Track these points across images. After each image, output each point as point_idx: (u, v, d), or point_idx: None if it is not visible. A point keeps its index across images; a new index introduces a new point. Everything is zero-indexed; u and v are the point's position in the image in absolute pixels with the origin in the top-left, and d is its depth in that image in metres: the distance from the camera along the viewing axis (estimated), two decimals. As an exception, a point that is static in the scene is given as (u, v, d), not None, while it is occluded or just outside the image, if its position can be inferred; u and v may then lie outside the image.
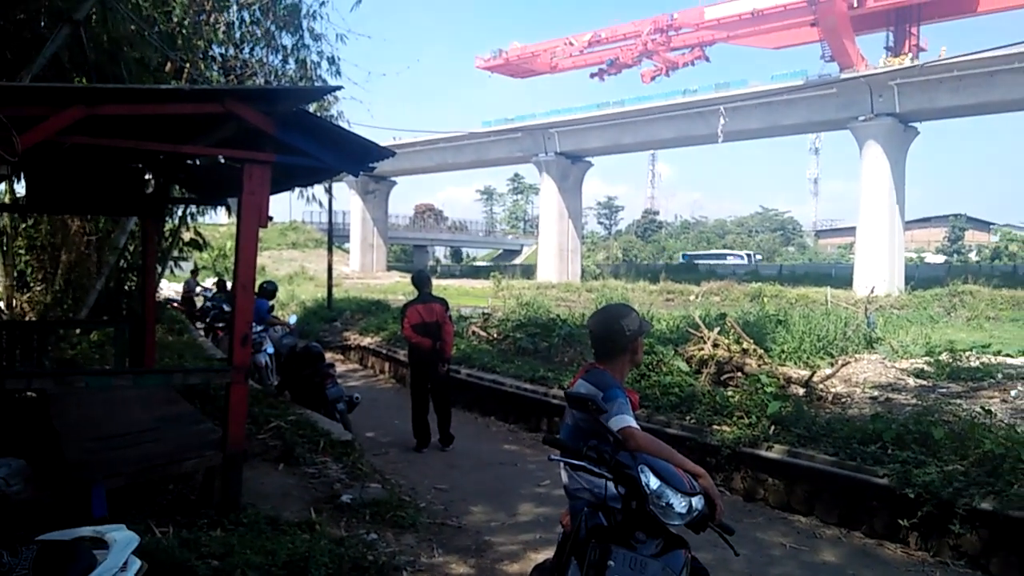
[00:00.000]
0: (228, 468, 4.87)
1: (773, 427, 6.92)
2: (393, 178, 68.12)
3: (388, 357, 13.83)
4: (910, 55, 41.47)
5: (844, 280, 43.06)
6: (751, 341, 9.44)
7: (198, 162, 7.68)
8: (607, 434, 2.96)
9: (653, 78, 51.61)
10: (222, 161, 7.03)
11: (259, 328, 10.06)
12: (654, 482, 2.70)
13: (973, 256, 68.36)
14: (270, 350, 10.27)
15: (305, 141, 5.19)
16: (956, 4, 41.39)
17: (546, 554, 4.97)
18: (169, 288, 33.59)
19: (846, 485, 6.03)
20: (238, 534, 4.28)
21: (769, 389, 7.71)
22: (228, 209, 15.55)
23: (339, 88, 10.02)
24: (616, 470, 2.79)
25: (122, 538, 2.73)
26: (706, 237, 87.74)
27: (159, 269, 12.96)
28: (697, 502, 2.74)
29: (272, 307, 11.90)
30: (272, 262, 52.49)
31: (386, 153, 5.68)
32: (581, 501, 3.05)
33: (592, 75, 53.57)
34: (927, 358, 11.10)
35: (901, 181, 42.55)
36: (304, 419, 7.16)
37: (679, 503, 2.69)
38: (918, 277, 42.67)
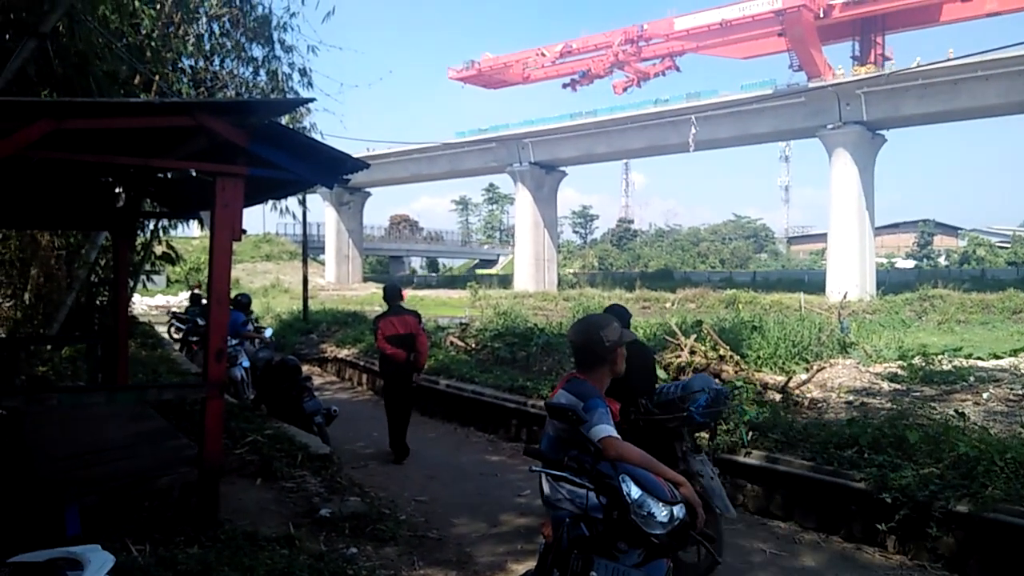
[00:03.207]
0: (205, 484, 4.80)
1: (751, 433, 6.97)
2: (368, 189, 67.95)
3: (366, 369, 13.76)
4: (876, 64, 42.28)
5: (817, 286, 43.61)
6: (727, 348, 9.50)
7: (170, 176, 7.61)
8: (588, 444, 2.96)
9: (625, 89, 52.19)
10: (194, 174, 6.98)
11: (234, 342, 9.96)
12: (635, 491, 2.70)
13: (942, 261, 69.49)
14: (246, 364, 10.16)
15: (278, 153, 5.15)
16: (920, 14, 42.30)
17: (528, 565, 4.95)
18: (142, 302, 33.19)
19: (824, 490, 6.08)
20: (215, 551, 4.21)
21: (746, 395, 7.77)
22: (201, 222, 15.40)
23: (311, 100, 9.98)
24: (597, 480, 2.79)
25: (97, 558, 2.67)
26: (680, 245, 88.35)
27: (131, 283, 12.80)
28: (678, 511, 2.75)
29: (247, 320, 11.79)
30: (246, 275, 52.07)
31: (360, 165, 5.66)
32: (563, 512, 3.04)
33: (564, 86, 54.06)
34: (900, 362, 11.24)
35: (870, 187, 43.25)
36: (281, 433, 7.09)
37: (660, 512, 2.70)
38: (889, 282, 43.32)
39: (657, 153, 56.60)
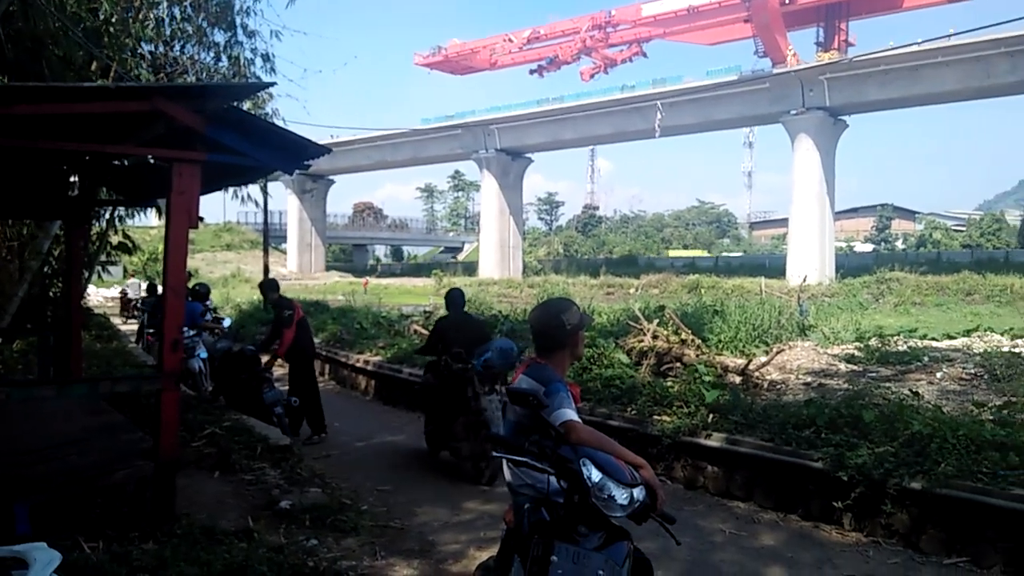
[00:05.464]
0: (160, 478, 4.71)
1: (712, 415, 7.03)
2: (331, 177, 67.26)
3: (328, 359, 13.62)
4: (839, 50, 42.79)
5: (778, 270, 44.25)
6: (689, 332, 9.59)
7: (126, 163, 7.43)
8: (549, 429, 2.95)
9: (592, 75, 52.23)
10: (151, 161, 6.82)
11: (191, 332, 9.79)
12: (596, 475, 2.70)
13: (900, 244, 71.04)
14: (203, 355, 9.99)
15: (237, 139, 5.05)
16: (882, 1, 42.85)
17: (490, 552, 4.95)
18: (98, 294, 32.50)
19: (783, 470, 6.16)
20: (171, 546, 4.14)
21: (707, 378, 7.85)
22: (158, 211, 15.08)
23: (272, 84, 9.80)
24: (558, 464, 2.78)
25: (42, 556, 2.61)
26: (645, 231, 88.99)
27: (86, 274, 12.50)
28: (638, 493, 2.75)
29: (205, 310, 11.59)
30: (206, 264, 51.21)
31: (322, 150, 5.58)
32: (524, 497, 3.03)
33: (531, 72, 53.92)
34: (857, 344, 11.48)
35: (831, 173, 43.90)
36: (240, 424, 7.00)
37: (621, 495, 2.70)
38: (848, 266, 44.16)
39: (623, 139, 56.81)
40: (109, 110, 4.63)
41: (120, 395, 6.79)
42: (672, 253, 71.84)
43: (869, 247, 69.66)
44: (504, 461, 3.10)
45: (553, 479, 2.83)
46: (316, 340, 14.81)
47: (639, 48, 50.28)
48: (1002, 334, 12.43)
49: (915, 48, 37.50)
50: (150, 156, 6.60)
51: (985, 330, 13.44)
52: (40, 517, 4.21)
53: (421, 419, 9.78)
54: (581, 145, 69.80)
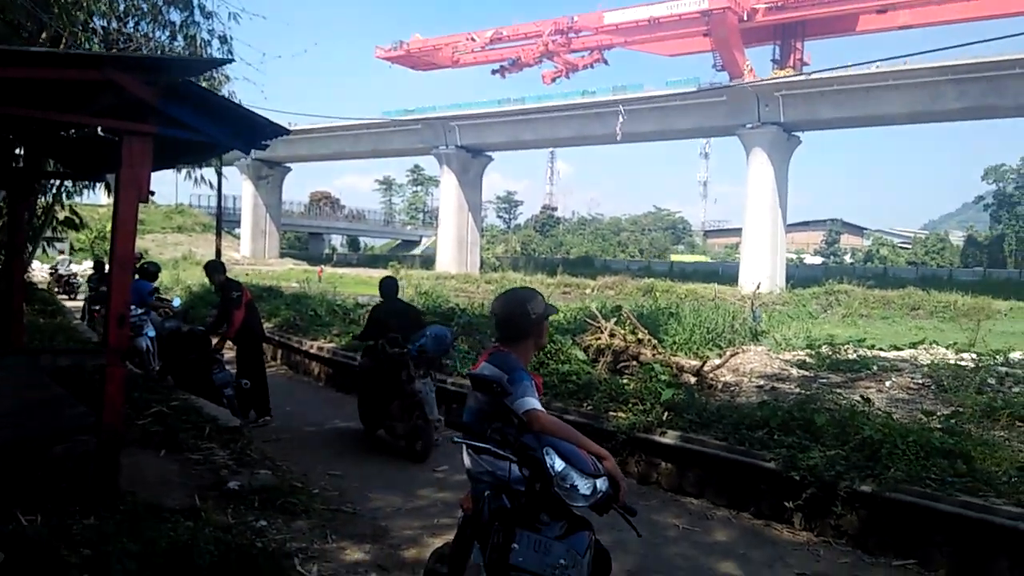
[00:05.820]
0: (103, 453, 4.54)
1: (667, 414, 7.07)
2: (288, 164, 66.36)
3: (281, 344, 13.38)
4: (794, 68, 43.74)
5: (731, 277, 44.94)
6: (646, 332, 9.64)
7: (74, 134, 7.17)
8: (511, 416, 2.92)
9: (554, 79, 52.43)
10: (101, 134, 6.60)
11: (140, 311, 9.51)
12: (559, 464, 2.67)
13: (848, 258, 72.74)
14: (151, 333, 9.71)
15: (191, 114, 4.90)
16: (838, 23, 44.02)
17: (446, 538, 4.88)
18: (43, 269, 31.48)
19: (736, 469, 6.21)
20: (115, 522, 3.98)
21: (663, 377, 7.89)
22: (108, 187, 14.64)
23: (229, 61, 9.54)
24: (520, 452, 2.74)
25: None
26: (601, 234, 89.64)
27: (30, 248, 12.06)
28: (601, 484, 2.72)
29: (154, 289, 11.27)
30: (156, 246, 50.01)
31: (279, 131, 5.44)
32: (484, 484, 2.99)
33: (493, 72, 53.92)
34: (808, 350, 11.69)
35: (784, 186, 44.83)
36: (189, 405, 6.81)
37: (584, 485, 2.67)
38: (797, 276, 45.02)
39: (583, 143, 57.22)
40: (59, 77, 4.45)
41: (63, 371, 6.55)
42: (676, 258, 71.42)
43: (818, 260, 71.26)
44: (464, 447, 3.05)
45: (515, 467, 2.80)
46: (269, 325, 14.58)
47: (600, 55, 50.74)
48: (947, 347, 12.76)
49: (868, 70, 38.75)
50: (99, 128, 6.41)
51: (930, 343, 13.78)
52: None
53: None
54: (541, 146, 70.04)
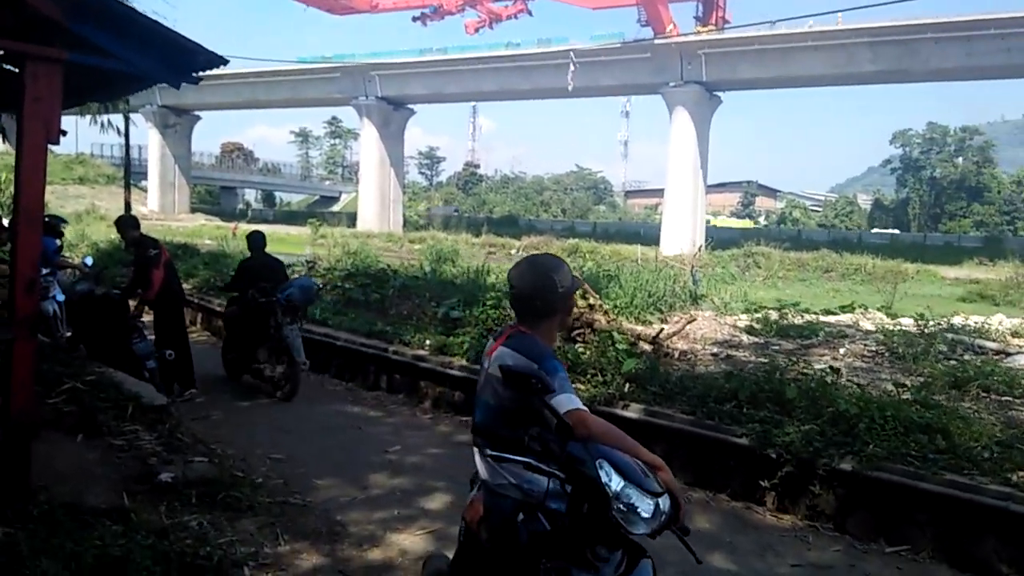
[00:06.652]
0: (13, 445, 3.87)
1: (628, 385, 6.77)
2: (197, 112, 62.96)
3: (200, 307, 12.50)
4: (716, 26, 43.86)
5: (651, 238, 45.29)
6: (598, 297, 9.29)
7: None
8: (544, 417, 2.42)
9: (477, 29, 51.19)
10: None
11: (45, 271, 8.52)
12: (616, 481, 2.18)
13: (762, 220, 74.68)
14: (60, 297, 8.74)
15: (108, 37, 4.14)
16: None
17: (408, 536, 4.44)
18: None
19: (704, 445, 5.95)
20: (28, 531, 3.35)
21: (621, 346, 7.58)
22: (3, 134, 13.25)
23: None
24: (568, 466, 2.25)
25: None
26: (525, 193, 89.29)
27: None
28: (664, 503, 2.25)
29: (60, 247, 10.22)
30: (56, 198, 46.51)
31: (216, 59, 4.65)
32: (508, 500, 2.47)
33: (414, 19, 52.23)
34: (748, 315, 11.63)
35: (705, 147, 45.36)
36: (106, 379, 6.02)
37: (645, 506, 2.19)
38: (717, 238, 45.83)
39: (507, 97, 56.46)
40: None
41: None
42: (716, 223, 68.08)
43: (734, 221, 72.88)
44: (476, 452, 2.56)
45: (551, 480, 2.32)
46: (187, 287, 13.60)
47: (524, 5, 49.59)
48: (878, 310, 12.95)
49: (786, 30, 39.28)
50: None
51: (860, 307, 13.99)
52: None
53: (311, 377, 9.16)
54: (464, 100, 68.64)
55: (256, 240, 8.71)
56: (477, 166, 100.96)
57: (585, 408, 2.41)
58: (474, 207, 79.40)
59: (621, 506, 2.17)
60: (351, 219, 57.20)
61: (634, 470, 2.25)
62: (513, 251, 38.24)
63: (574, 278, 2.74)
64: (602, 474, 2.19)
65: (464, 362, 7.97)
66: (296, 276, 9.87)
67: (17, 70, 4.43)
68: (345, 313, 10.63)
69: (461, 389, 7.85)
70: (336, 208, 78.83)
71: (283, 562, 3.86)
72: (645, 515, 2.20)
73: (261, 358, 8.06)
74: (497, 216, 68.82)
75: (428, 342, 8.60)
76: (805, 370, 6.90)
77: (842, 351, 8.49)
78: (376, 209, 53.59)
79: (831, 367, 6.76)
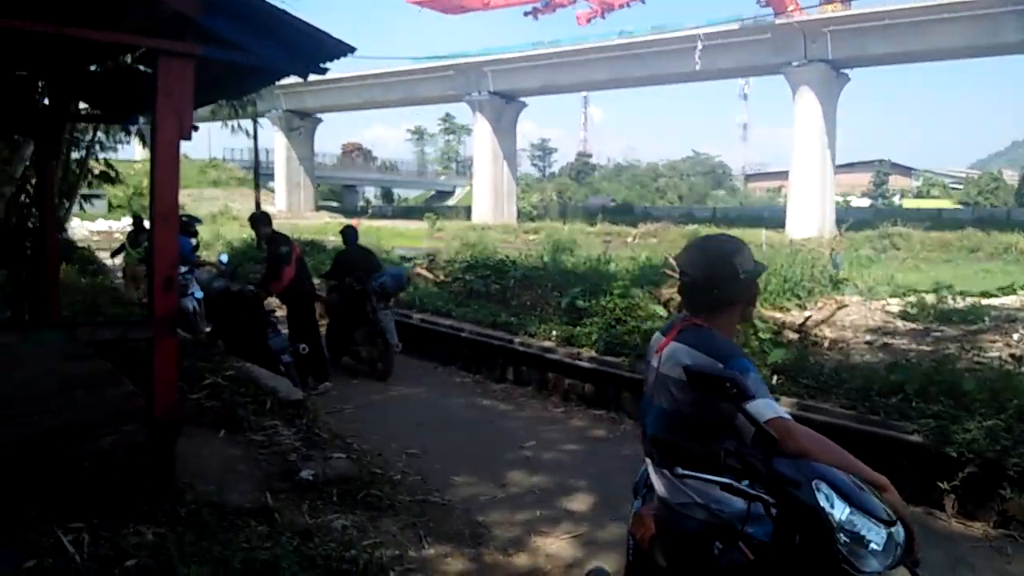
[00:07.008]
0: (157, 444, 3.84)
1: (776, 377, 6.26)
2: (318, 115, 65.36)
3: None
4: (842, 3, 41.45)
5: (776, 222, 43.43)
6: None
7: (101, 69, 6.40)
8: (735, 428, 2.05)
9: (589, 20, 50.54)
10: (132, 65, 5.81)
11: (183, 269, 8.83)
12: (840, 508, 1.78)
13: (897, 200, 70.25)
14: (198, 294, 9.04)
15: (237, 29, 4.04)
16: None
17: (554, 540, 4.17)
18: (83, 227, 31.23)
19: (869, 442, 5.36)
20: (176, 534, 3.28)
21: (764, 335, 7.05)
22: (142, 138, 13.95)
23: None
24: (776, 488, 1.86)
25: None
26: (639, 181, 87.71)
27: (67, 204, 11.45)
28: (898, 534, 1.83)
29: (196, 246, 10.61)
30: (192, 201, 49.47)
31: (344, 48, 4.50)
32: (692, 522, 2.15)
33: (526, 13, 51.96)
34: (899, 300, 10.72)
35: (832, 126, 43.18)
36: (244, 374, 6.08)
37: (877, 538, 1.77)
38: (847, 220, 43.39)
39: (620, 86, 55.51)
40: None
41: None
42: (908, 204, 65.01)
43: (866, 202, 68.90)
44: (650, 464, 2.22)
45: (748, 503, 1.94)
46: (316, 282, 13.95)
47: (637, -8, 48.53)
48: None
49: (920, 3, 36.50)
50: (129, 57, 5.60)
51: (1022, 288, 12.68)
52: (4, 493, 3.35)
53: (439, 369, 9.13)
54: (576, 90, 67.99)
55: (349, 234, 9.27)
56: (589, 156, 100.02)
57: (788, 416, 2.03)
58: (586, 196, 78.66)
59: (847, 538, 1.76)
60: (466, 212, 57.87)
61: (858, 493, 1.84)
62: (629, 239, 37.51)
63: (756, 262, 2.35)
64: (821, 499, 1.79)
65: (593, 353, 7.65)
66: (391, 267, 10.41)
67: (151, 71, 4.45)
68: (468, 304, 10.53)
69: (592, 382, 7.54)
70: (451, 202, 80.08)
71: (429, 567, 3.67)
72: (875, 547, 1.77)
73: (358, 340, 8.56)
74: (612, 204, 67.87)
75: (554, 333, 8.34)
76: (979, 359, 6.15)
77: (1015, 337, 7.59)
78: (490, 202, 53.98)
79: (1012, 355, 5.99)
